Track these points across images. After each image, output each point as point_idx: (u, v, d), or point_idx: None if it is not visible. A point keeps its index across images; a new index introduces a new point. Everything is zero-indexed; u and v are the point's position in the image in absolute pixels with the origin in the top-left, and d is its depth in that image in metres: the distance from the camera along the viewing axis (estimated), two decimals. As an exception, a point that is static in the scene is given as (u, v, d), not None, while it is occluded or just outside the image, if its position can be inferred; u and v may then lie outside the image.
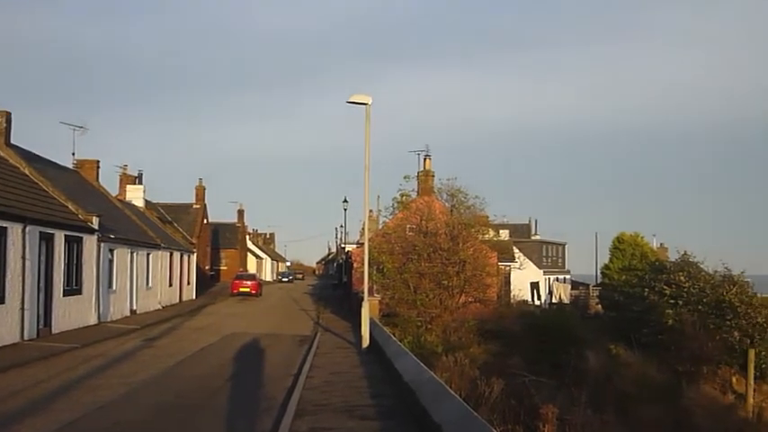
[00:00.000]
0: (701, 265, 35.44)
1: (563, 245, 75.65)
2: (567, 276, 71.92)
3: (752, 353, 28.65)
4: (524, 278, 50.23)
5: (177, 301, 42.40)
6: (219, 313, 37.73)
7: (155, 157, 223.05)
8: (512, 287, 45.72)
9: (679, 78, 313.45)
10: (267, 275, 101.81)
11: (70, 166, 37.76)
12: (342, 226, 76.85)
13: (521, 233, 67.80)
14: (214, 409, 12.74)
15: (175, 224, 54.40)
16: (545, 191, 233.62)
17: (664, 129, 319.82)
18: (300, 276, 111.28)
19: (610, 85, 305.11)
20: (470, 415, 8.78)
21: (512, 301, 42.61)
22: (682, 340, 29.88)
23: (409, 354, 16.04)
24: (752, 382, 28.37)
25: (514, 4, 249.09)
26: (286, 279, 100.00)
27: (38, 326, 22.13)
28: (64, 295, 24.14)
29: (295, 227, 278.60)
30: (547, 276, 63.80)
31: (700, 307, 31.58)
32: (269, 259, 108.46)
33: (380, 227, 37.17)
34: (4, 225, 19.95)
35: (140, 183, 50.76)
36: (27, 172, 26.45)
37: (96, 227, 27.20)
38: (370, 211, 33.68)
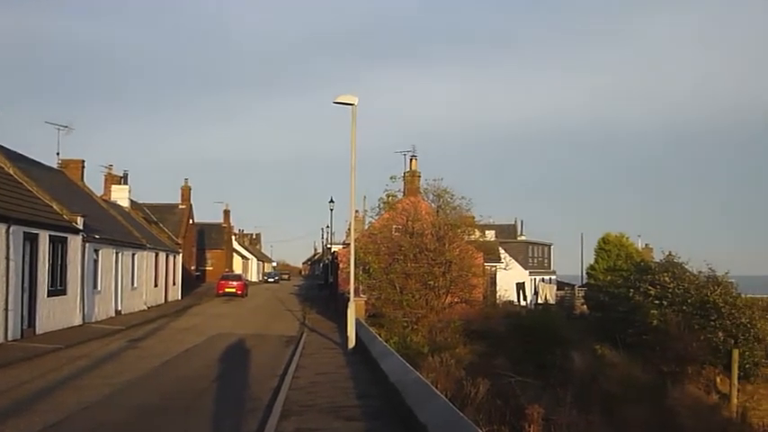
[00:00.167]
0: (686, 266, 35.64)
1: (549, 245, 75.83)
2: (553, 277, 72.08)
3: (736, 353, 28.79)
4: (510, 279, 50.29)
5: (163, 301, 42.24)
6: (205, 314, 37.60)
7: (140, 158, 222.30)
8: (498, 288, 45.82)
9: (663, 79, 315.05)
10: (253, 276, 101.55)
11: (55, 165, 37.57)
12: (328, 226, 76.94)
13: (507, 234, 67.88)
14: (200, 409, 12.70)
15: (161, 224, 54.20)
16: (531, 192, 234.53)
17: (650, 130, 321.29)
18: (286, 277, 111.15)
19: (595, 86, 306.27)
20: (456, 415, 8.79)
21: (498, 301, 42.69)
22: (666, 340, 30.02)
23: (395, 354, 16.03)
24: (736, 382, 28.52)
25: (501, 5, 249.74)
26: (272, 279, 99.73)
27: (22, 326, 21.98)
28: (48, 296, 24.00)
29: (281, 227, 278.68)
30: (533, 277, 63.96)
31: (684, 307, 31.72)
32: (255, 260, 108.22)
33: (367, 227, 37.19)
34: (-12, 225, 19.83)
35: (126, 183, 50.54)
36: (11, 172, 26.29)
37: (81, 227, 27.06)
38: (357, 211, 33.64)
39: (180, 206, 63.34)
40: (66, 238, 25.84)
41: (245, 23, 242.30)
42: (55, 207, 26.37)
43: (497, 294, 44.68)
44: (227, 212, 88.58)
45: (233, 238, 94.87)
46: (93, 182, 44.15)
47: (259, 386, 15.16)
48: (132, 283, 35.21)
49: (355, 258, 24.22)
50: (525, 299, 56.05)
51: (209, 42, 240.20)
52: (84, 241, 27.33)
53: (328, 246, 71.44)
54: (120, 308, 32.56)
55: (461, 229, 33.11)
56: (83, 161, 39.81)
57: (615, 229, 49.21)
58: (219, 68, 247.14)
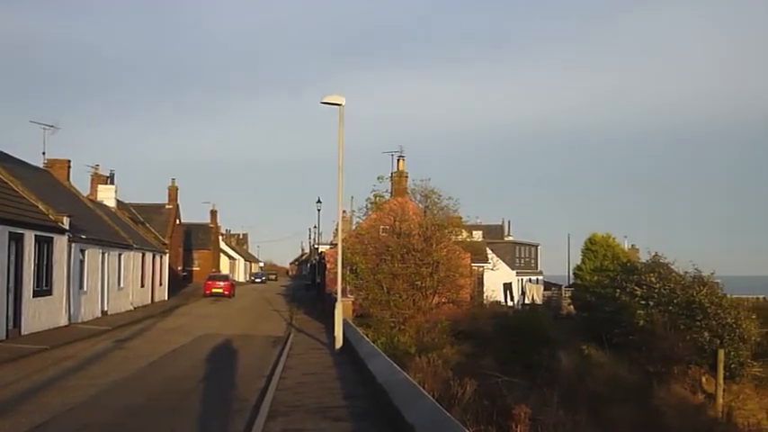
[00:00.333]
0: (672, 266, 35.74)
1: (536, 246, 76.07)
2: (540, 277, 72.29)
3: (721, 353, 28.92)
4: (497, 279, 50.36)
5: (149, 302, 42.09)
6: (192, 314, 37.49)
7: (127, 158, 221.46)
8: (485, 288, 45.81)
9: (649, 81, 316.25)
10: (240, 276, 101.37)
11: (41, 165, 37.37)
12: (315, 227, 76.72)
13: (494, 234, 68.04)
14: (186, 410, 12.66)
15: (147, 224, 53.95)
16: (518, 192, 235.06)
17: (638, 131, 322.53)
18: (273, 277, 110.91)
19: (582, 87, 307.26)
20: (443, 415, 8.80)
21: (485, 301, 42.66)
22: (652, 340, 30.12)
23: (382, 354, 16.03)
24: (721, 381, 28.64)
25: (489, 8, 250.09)
26: (259, 280, 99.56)
27: (7, 327, 21.84)
28: (34, 296, 23.85)
29: (268, 227, 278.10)
30: (520, 277, 64.11)
31: (670, 308, 31.83)
32: (242, 260, 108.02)
33: (354, 228, 37.10)
34: (-27, 225, 19.71)
35: (112, 183, 50.31)
36: (-4, 171, 26.15)
37: (67, 227, 26.92)
38: (344, 211, 33.58)
39: (167, 206, 63.08)
40: (52, 238, 25.71)
41: (233, 23, 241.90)
42: (41, 207, 26.23)
43: (484, 295, 44.65)
44: (213, 212, 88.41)
45: (220, 238, 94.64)
46: (80, 182, 44.08)
47: (246, 386, 15.12)
48: (119, 284, 35.06)
49: (342, 259, 24.18)
50: (512, 299, 56.17)
51: (197, 42, 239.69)
52: (70, 241, 27.20)
53: (315, 246, 71.44)
54: (106, 308, 32.41)
55: (449, 229, 33.10)
56: (69, 161, 39.66)
57: (602, 230, 49.23)
58: (206, 68, 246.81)
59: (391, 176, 37.98)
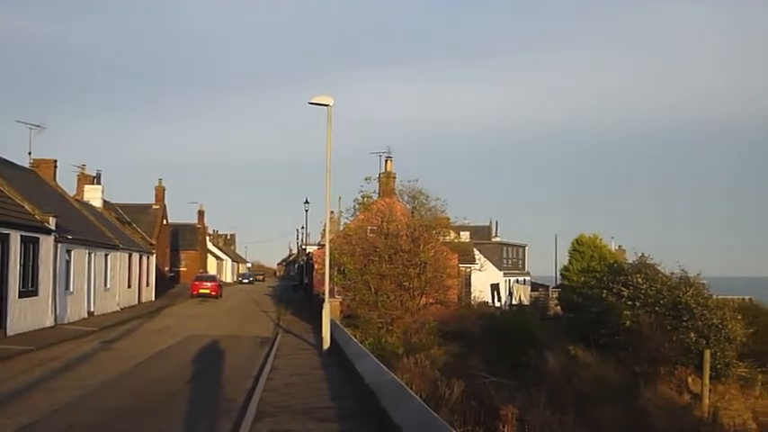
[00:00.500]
0: (658, 267, 35.91)
1: (523, 247, 76.15)
2: (527, 278, 72.38)
3: (707, 353, 29.05)
4: (485, 280, 50.44)
5: (136, 302, 41.92)
6: (179, 315, 37.38)
7: (114, 158, 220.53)
8: (472, 289, 45.91)
9: (636, 82, 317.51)
10: (227, 277, 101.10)
11: (27, 165, 37.17)
12: (303, 227, 76.58)
13: (481, 235, 68.13)
14: (173, 411, 12.62)
15: (134, 225, 53.75)
16: (506, 193, 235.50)
17: (623, 132, 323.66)
18: (261, 278, 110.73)
19: (569, 89, 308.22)
20: (431, 416, 8.81)
21: (472, 302, 42.78)
22: (639, 341, 30.25)
23: (370, 355, 16.05)
24: (707, 382, 28.78)
25: (475, 8, 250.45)
26: (246, 280, 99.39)
27: (-8, 328, 21.74)
28: (19, 297, 23.71)
29: (256, 228, 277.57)
30: (507, 278, 64.17)
31: (657, 308, 31.97)
32: (229, 260, 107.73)
33: (342, 228, 37.09)
34: (-42, 225, 19.59)
35: (98, 183, 50.05)
36: (-18, 171, 26.00)
37: (53, 227, 26.79)
38: (332, 212, 33.57)
39: (154, 206, 62.81)
40: (38, 238, 25.57)
41: (220, 24, 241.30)
42: (26, 207, 26.09)
43: (472, 295, 44.78)
44: (201, 213, 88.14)
45: (207, 238, 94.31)
46: (66, 182, 43.85)
47: (233, 387, 15.10)
48: (105, 284, 34.91)
49: (330, 259, 24.17)
50: (500, 300, 56.25)
51: (184, 42, 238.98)
52: (56, 242, 27.06)
53: (303, 247, 71.31)
54: (92, 309, 32.26)
55: (436, 230, 33.15)
56: (55, 161, 39.47)
57: (589, 231, 49.42)
58: (194, 69, 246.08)
59: (379, 177, 37.99)
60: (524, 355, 26.99)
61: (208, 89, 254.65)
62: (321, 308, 22.80)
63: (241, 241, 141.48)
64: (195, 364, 19.06)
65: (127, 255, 39.91)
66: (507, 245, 71.56)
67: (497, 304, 52.83)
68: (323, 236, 34.56)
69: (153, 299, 46.94)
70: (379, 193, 36.57)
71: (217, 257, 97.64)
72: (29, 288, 24.69)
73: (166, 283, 61.73)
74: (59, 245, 27.43)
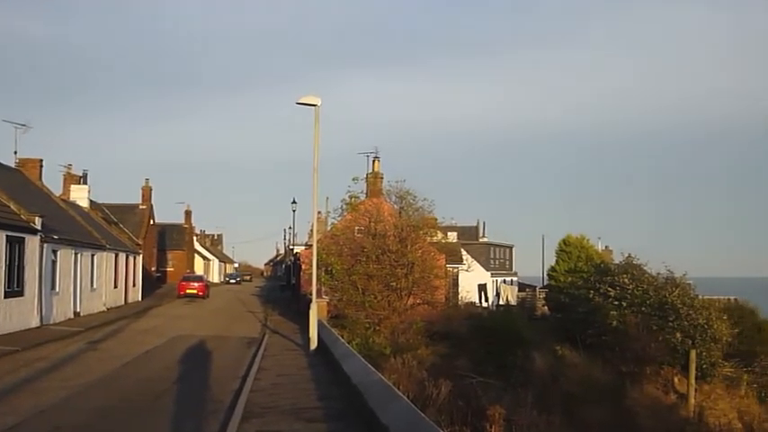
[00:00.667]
0: (645, 268, 36.00)
1: (510, 247, 76.27)
2: (515, 278, 72.52)
3: (693, 353, 29.16)
4: (472, 280, 50.47)
5: (122, 302, 41.76)
6: (166, 315, 37.27)
7: (100, 158, 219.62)
8: (460, 289, 45.94)
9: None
10: (215, 277, 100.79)
11: (12, 165, 36.97)
12: (290, 227, 76.54)
13: (469, 235, 68.16)
14: (160, 411, 12.59)
15: (121, 225, 53.56)
16: (493, 194, 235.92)
17: (609, 133, 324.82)
18: (248, 278, 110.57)
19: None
20: (418, 416, 8.82)
21: (459, 302, 42.80)
22: (625, 341, 30.33)
23: (357, 355, 16.05)
24: (693, 382, 28.89)
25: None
26: (234, 281, 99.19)
27: (-23, 328, 21.62)
28: (5, 297, 23.62)
29: (243, 228, 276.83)
30: (494, 278, 64.27)
31: (643, 308, 32.05)
32: (216, 261, 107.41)
33: (329, 229, 37.08)
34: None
35: (85, 183, 49.87)
36: (-33, 171, 25.87)
37: (39, 227, 26.66)
38: (319, 212, 33.57)
39: (140, 206, 62.61)
40: (24, 238, 25.45)
41: (208, 25, 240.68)
42: (12, 207, 25.96)
43: (459, 296, 44.81)
44: (188, 213, 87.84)
45: (194, 238, 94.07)
46: (52, 181, 43.66)
47: (220, 388, 15.06)
48: (91, 285, 34.77)
49: (317, 260, 24.16)
50: (487, 300, 56.31)
51: (170, 42, 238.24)
52: (42, 242, 26.93)
53: (291, 247, 71.18)
54: (78, 309, 32.13)
55: (423, 230, 33.16)
56: (41, 160, 39.29)
57: (576, 231, 49.55)
58: (181, 69, 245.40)
59: (366, 177, 37.96)
60: (511, 355, 27.02)
61: (195, 90, 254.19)
62: (308, 308, 22.79)
63: (228, 241, 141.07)
64: (182, 365, 19.01)
65: (113, 255, 39.76)
66: (495, 245, 71.65)
67: (485, 304, 52.87)
68: (310, 236, 34.56)
69: (140, 299, 46.78)
70: (366, 194, 36.54)
71: (204, 258, 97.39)
72: (14, 288, 24.57)
73: (153, 283, 61.52)
74: (45, 245, 27.30)
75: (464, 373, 23.64)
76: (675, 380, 30.72)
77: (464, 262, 47.06)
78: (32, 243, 26.18)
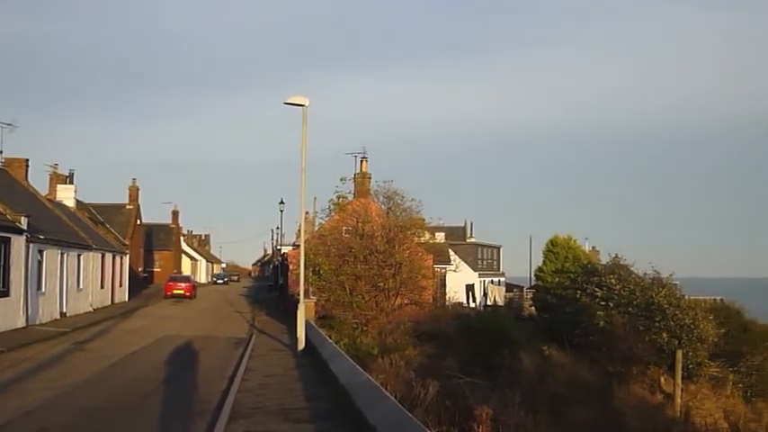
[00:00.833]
0: (632, 268, 36.14)
1: (498, 248, 76.46)
2: (502, 279, 72.69)
3: (679, 353, 29.27)
4: (460, 280, 50.58)
5: (109, 303, 41.57)
6: (153, 315, 37.16)
7: (87, 157, 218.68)
8: (447, 289, 46.03)
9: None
10: (202, 277, 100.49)
11: (-2, 164, 36.79)
12: (278, 227, 76.44)
13: (456, 236, 68.27)
14: (147, 412, 12.56)
15: (108, 225, 53.34)
16: (480, 194, 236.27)
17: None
18: (236, 278, 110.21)
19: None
20: (405, 416, 8.83)
21: (447, 303, 42.84)
22: (612, 341, 30.43)
23: (345, 356, 16.04)
24: (679, 381, 29.00)
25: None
26: (221, 281, 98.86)
27: (-37, 329, 21.49)
28: (-10, 297, 23.50)
29: (231, 228, 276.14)
30: (482, 279, 64.42)
31: (630, 309, 32.14)
32: (204, 261, 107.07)
33: (317, 229, 37.04)
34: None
35: (71, 182, 49.60)
36: (-48, 170, 25.72)
37: (25, 227, 26.52)
38: (307, 213, 33.47)
39: (127, 206, 62.37)
40: (9, 238, 25.31)
41: (195, 24, 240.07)
42: (-2, 207, 25.83)
43: (447, 296, 44.86)
44: (175, 213, 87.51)
45: (181, 239, 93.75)
46: (38, 181, 43.42)
47: (208, 388, 15.04)
48: (78, 285, 34.60)
49: (305, 260, 24.18)
50: (474, 300, 56.44)
51: (158, 42, 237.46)
52: (27, 242, 26.79)
53: (278, 247, 71.09)
54: (65, 310, 31.97)
55: (411, 231, 33.15)
56: (27, 160, 39.07)
57: (563, 232, 49.64)
58: (167, 69, 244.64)
59: (354, 178, 37.93)
60: (499, 355, 27.04)
61: (182, 90, 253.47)
62: (296, 308, 22.80)
63: (216, 242, 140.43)
64: (169, 365, 18.97)
65: (100, 255, 39.59)
66: (482, 246, 71.81)
67: (472, 305, 53.01)
68: (298, 236, 34.48)
69: (126, 299, 46.55)
70: (354, 194, 36.50)
71: (191, 258, 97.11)
72: (0, 289, 24.43)
73: (140, 283, 61.30)
74: (31, 245, 27.16)
75: (452, 374, 23.63)
76: (662, 380, 30.84)
77: (452, 262, 47.18)
78: (18, 243, 26.04)
